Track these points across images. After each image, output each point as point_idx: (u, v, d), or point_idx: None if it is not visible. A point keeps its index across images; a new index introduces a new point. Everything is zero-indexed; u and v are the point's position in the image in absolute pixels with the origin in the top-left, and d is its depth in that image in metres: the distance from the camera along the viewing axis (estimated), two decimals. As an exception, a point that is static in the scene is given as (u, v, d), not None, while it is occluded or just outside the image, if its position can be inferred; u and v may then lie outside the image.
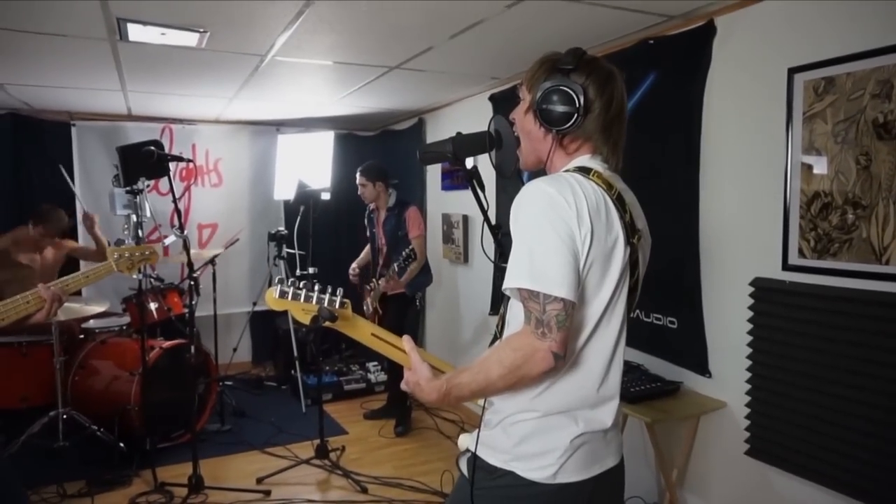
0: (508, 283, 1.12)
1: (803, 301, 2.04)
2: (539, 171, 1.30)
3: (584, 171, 1.18)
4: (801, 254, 2.06)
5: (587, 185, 1.14)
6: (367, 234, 4.11)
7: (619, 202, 1.17)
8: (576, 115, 1.18)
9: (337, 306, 1.26)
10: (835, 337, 1.95)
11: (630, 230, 1.17)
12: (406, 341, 1.27)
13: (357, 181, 3.92)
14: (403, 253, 3.52)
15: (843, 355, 1.93)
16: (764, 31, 2.19)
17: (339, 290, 1.28)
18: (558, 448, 1.16)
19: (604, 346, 1.18)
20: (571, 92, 1.18)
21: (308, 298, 1.25)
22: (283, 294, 1.24)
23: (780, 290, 2.11)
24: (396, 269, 3.58)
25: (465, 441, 1.32)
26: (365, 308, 3.95)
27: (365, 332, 1.29)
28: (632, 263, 1.20)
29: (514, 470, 1.18)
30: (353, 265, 4.17)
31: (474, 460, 1.24)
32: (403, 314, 3.90)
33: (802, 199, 2.06)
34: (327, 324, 1.27)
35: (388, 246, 3.90)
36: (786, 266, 2.10)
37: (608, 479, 1.21)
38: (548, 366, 1.08)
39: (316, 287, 1.27)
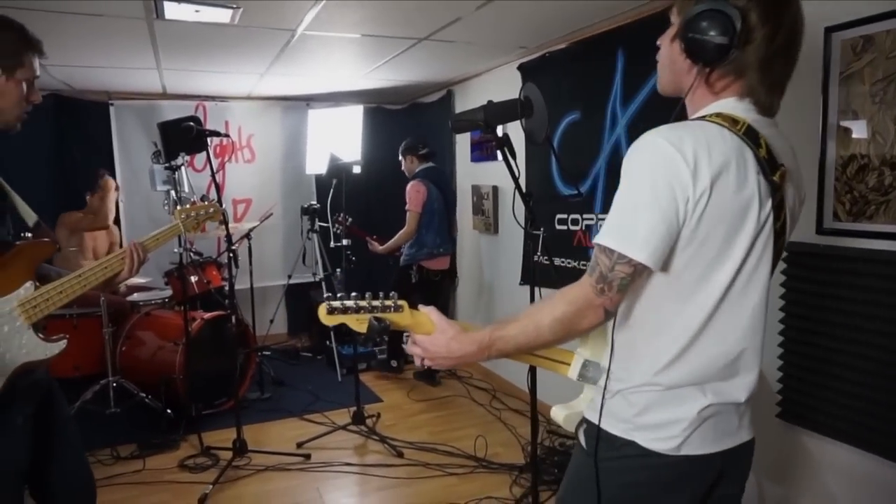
0: (597, 238, 1.06)
1: (838, 265, 2.04)
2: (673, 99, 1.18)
3: (721, 117, 1.05)
4: (836, 217, 2.05)
5: (717, 136, 1.01)
6: None
7: (751, 136, 1.03)
8: (729, 48, 1.01)
9: (392, 311, 1.19)
10: (870, 300, 1.95)
11: (769, 166, 1.04)
12: (426, 307, 1.21)
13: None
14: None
15: (880, 318, 1.93)
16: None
17: (393, 294, 1.21)
18: (684, 419, 1.07)
19: (739, 314, 1.07)
20: (727, 17, 1.01)
21: (359, 310, 1.19)
22: (332, 310, 1.19)
23: (814, 255, 2.10)
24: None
25: (559, 413, 1.26)
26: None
27: (430, 326, 1.20)
28: (775, 207, 1.06)
29: (635, 440, 1.10)
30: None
31: (598, 431, 1.14)
32: (399, 286, 4.07)
33: (838, 161, 2.04)
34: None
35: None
36: (820, 230, 2.09)
37: (739, 455, 1.13)
38: (598, 321, 1.07)
39: (367, 295, 1.20)
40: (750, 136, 1.04)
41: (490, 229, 4.34)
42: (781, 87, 1.09)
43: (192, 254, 4.14)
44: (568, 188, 3.34)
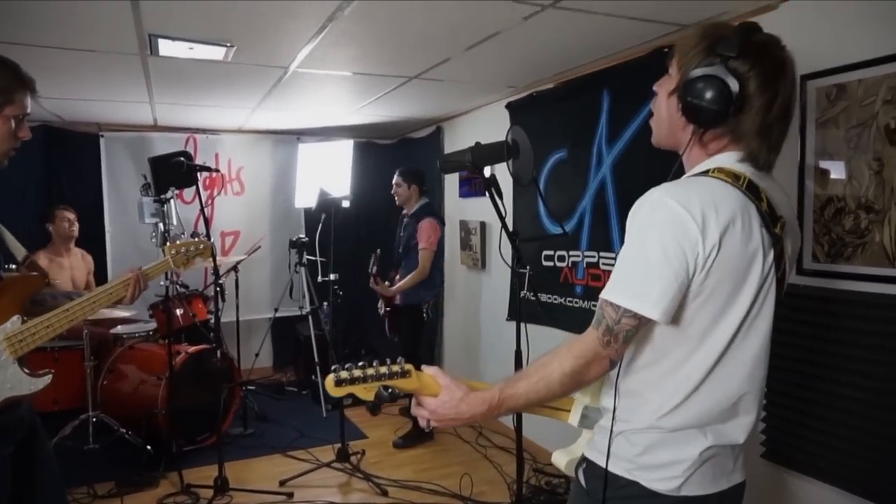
0: (602, 294, 1.09)
1: (818, 305, 2.08)
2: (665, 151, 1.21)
3: (723, 172, 1.07)
4: (816, 258, 2.10)
5: (723, 192, 1.04)
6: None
7: (752, 190, 1.06)
8: (726, 115, 1.04)
9: (399, 377, 1.18)
10: (849, 340, 1.99)
11: (770, 219, 1.08)
12: (430, 368, 1.21)
13: (393, 181, 4.04)
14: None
15: (859, 358, 1.96)
16: (779, 35, 2.24)
17: (400, 360, 1.19)
18: (686, 460, 1.10)
19: (742, 359, 1.10)
20: (726, 85, 1.03)
21: (367, 379, 1.17)
22: (340, 382, 1.17)
23: (794, 295, 2.14)
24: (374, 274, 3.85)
25: (561, 459, 1.27)
26: (380, 309, 4.12)
27: (435, 388, 1.19)
28: (777, 256, 1.09)
29: (637, 480, 1.12)
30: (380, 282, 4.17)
31: (605, 474, 1.15)
32: (413, 327, 3.93)
33: (816, 203, 2.10)
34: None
35: (401, 251, 4.00)
36: (800, 270, 2.14)
37: (733, 497, 1.16)
38: (604, 371, 1.11)
39: (375, 363, 1.20)
40: (752, 190, 1.08)
41: (477, 265, 4.37)
42: (779, 148, 1.12)
43: (178, 286, 4.13)
44: (554, 226, 3.39)
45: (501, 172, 2.14)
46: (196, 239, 1.99)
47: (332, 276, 3.93)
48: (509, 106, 3.85)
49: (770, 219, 1.08)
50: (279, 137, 5.26)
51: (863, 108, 1.95)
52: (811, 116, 2.11)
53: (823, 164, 2.08)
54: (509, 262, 1.95)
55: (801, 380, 2.14)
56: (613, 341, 1.06)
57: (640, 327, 1.07)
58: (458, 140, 4.70)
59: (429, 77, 3.31)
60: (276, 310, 4.91)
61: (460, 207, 4.66)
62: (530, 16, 2.31)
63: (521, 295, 2.15)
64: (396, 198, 4.04)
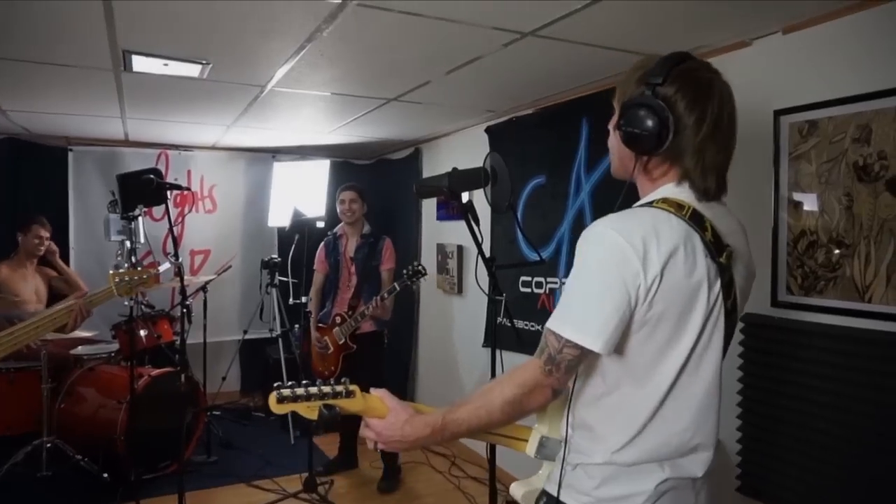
0: (547, 323, 1.11)
1: (792, 337, 2.12)
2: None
3: (667, 202, 1.11)
4: (790, 290, 2.15)
5: (665, 222, 1.07)
6: (324, 264, 3.90)
7: (696, 219, 1.09)
8: (657, 139, 1.08)
9: (343, 397, 1.19)
10: (823, 373, 2.03)
11: (715, 248, 1.09)
12: (378, 390, 1.23)
13: (345, 197, 3.77)
14: (408, 270, 3.36)
15: (831, 392, 2.00)
16: (751, 74, 2.31)
17: (345, 381, 1.21)
18: (643, 493, 1.10)
19: (693, 393, 1.11)
20: (654, 109, 1.08)
21: (310, 398, 1.18)
22: (282, 399, 1.18)
23: (769, 326, 2.18)
24: (386, 294, 3.48)
25: (517, 490, 1.28)
26: (320, 349, 3.75)
27: (382, 410, 1.21)
28: (725, 286, 1.11)
29: None
30: (314, 332, 3.81)
31: (557, 502, 1.17)
32: (380, 355, 3.82)
33: (790, 236, 2.15)
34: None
35: (358, 276, 3.74)
36: (775, 302, 2.19)
37: None
38: (547, 401, 1.13)
39: (318, 382, 1.21)
40: (695, 220, 1.10)
41: (454, 289, 4.37)
42: (717, 172, 1.14)
43: (143, 306, 4.05)
44: (532, 252, 3.42)
45: (479, 197, 2.16)
46: (140, 268, 1.99)
47: (304, 299, 3.89)
48: (489, 130, 3.90)
49: (715, 248, 1.10)
50: (254, 155, 5.24)
51: (833, 145, 2.02)
52: (784, 150, 2.18)
53: (797, 197, 2.14)
54: (486, 290, 1.96)
55: (775, 412, 2.16)
56: (555, 370, 1.08)
57: (583, 358, 1.09)
58: (436, 162, 4.73)
59: (408, 99, 3.34)
60: (245, 332, 4.84)
61: (437, 230, 4.68)
62: (510, 43, 2.36)
63: (497, 321, 2.15)
64: (347, 215, 3.77)
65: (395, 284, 3.43)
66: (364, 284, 3.71)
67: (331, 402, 1.18)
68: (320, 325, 3.81)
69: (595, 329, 1.04)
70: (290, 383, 1.19)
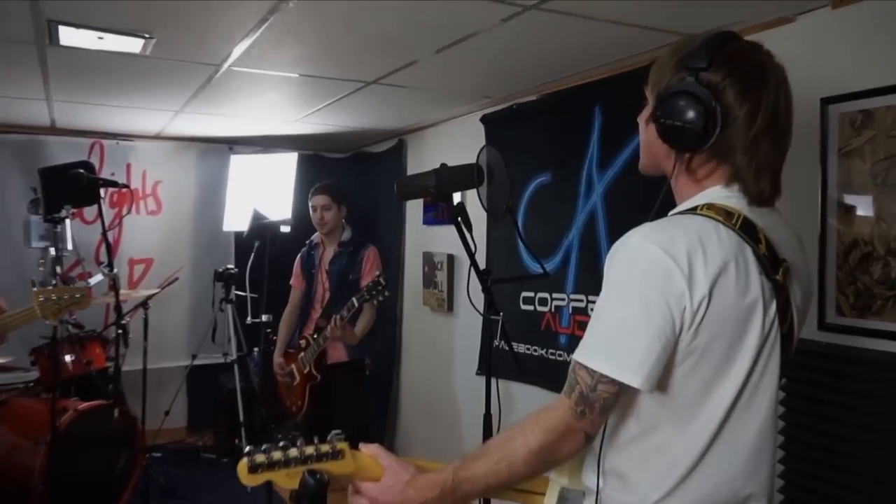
0: (575, 354, 1.09)
1: (843, 367, 2.11)
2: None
3: (713, 210, 1.11)
4: (840, 311, 2.14)
5: (712, 234, 1.07)
6: (299, 279, 3.92)
7: (748, 230, 1.09)
8: (702, 133, 1.08)
9: (330, 459, 1.12)
10: (880, 409, 2.01)
11: (770, 263, 1.10)
12: (369, 446, 1.19)
13: (316, 202, 3.73)
14: (367, 285, 3.31)
15: (888, 431, 1.98)
16: (794, 55, 2.29)
17: (332, 436, 1.14)
18: None
19: (745, 434, 1.11)
20: (699, 99, 1.08)
21: (290, 463, 1.10)
22: (255, 467, 1.10)
23: (816, 354, 2.17)
24: (345, 311, 3.38)
25: None
26: (283, 378, 3.71)
27: (376, 470, 1.16)
28: (780, 308, 1.12)
29: None
30: (278, 358, 3.82)
31: None
32: (360, 390, 3.74)
33: (839, 247, 2.15)
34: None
35: (332, 291, 3.71)
36: (822, 325, 2.18)
37: None
38: (580, 447, 1.10)
39: (300, 442, 1.13)
40: (747, 230, 1.10)
41: (443, 307, 4.35)
42: (772, 172, 1.15)
43: (69, 326, 3.98)
44: (535, 263, 3.41)
45: (473, 198, 2.14)
46: (73, 286, 1.94)
47: (264, 318, 3.86)
48: (485, 119, 3.89)
49: (770, 263, 1.10)
50: (207, 147, 5.21)
51: (891, 140, 2.02)
52: (833, 145, 2.17)
53: (848, 200, 2.14)
54: (480, 308, 1.95)
55: (824, 456, 2.15)
56: (588, 412, 1.06)
57: (620, 395, 1.07)
58: (424, 156, 4.73)
59: (390, 82, 3.32)
60: (194, 356, 4.77)
61: (424, 236, 4.66)
62: (509, 18, 2.35)
63: (495, 345, 2.13)
64: (320, 225, 3.76)
65: (354, 300, 3.35)
66: (339, 302, 3.63)
67: (315, 465, 1.10)
68: (289, 350, 3.78)
69: (635, 361, 1.03)
70: (264, 447, 1.11)
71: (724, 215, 1.09)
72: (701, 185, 1.17)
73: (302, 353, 3.62)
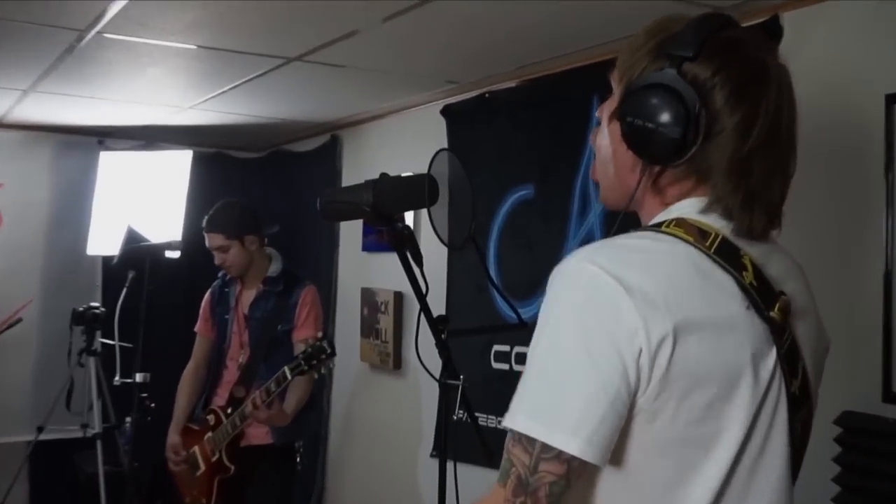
0: (506, 420, 1.08)
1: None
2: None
3: (683, 227, 1.11)
4: (910, 377, 2.19)
5: (680, 258, 1.08)
6: (207, 323, 3.91)
7: (727, 254, 1.10)
8: (680, 142, 1.08)
9: None
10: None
11: (761, 296, 1.10)
12: None
13: (209, 243, 3.69)
14: (304, 350, 3.26)
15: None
16: (845, 39, 2.38)
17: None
18: None
19: None
20: (680, 97, 1.08)
21: None
22: None
23: (881, 434, 2.20)
24: (273, 385, 3.28)
25: None
26: (178, 465, 3.64)
27: None
28: (785, 357, 1.12)
29: None
30: (174, 436, 3.73)
31: None
32: (286, 485, 3.70)
33: (911, 290, 2.20)
34: None
35: (253, 347, 3.67)
36: (888, 396, 2.22)
37: None
38: None
39: None
40: (726, 254, 1.10)
41: (388, 363, 4.34)
42: (766, 203, 1.15)
43: None
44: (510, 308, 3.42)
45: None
46: None
47: (139, 377, 3.80)
48: (447, 111, 3.93)
49: (761, 297, 1.10)
50: (68, 140, 5.19)
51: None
52: (902, 155, 2.24)
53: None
54: (437, 368, 1.95)
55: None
56: (530, 502, 1.04)
57: (572, 478, 1.04)
58: (364, 158, 4.76)
59: (321, 60, 3.33)
60: (40, 429, 4.69)
61: (364, 267, 4.66)
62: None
63: (454, 418, 2.12)
64: (226, 269, 3.75)
65: (286, 370, 3.25)
66: (261, 362, 3.58)
67: None
68: (190, 425, 3.69)
69: (571, 420, 1.00)
70: None
71: (697, 234, 1.10)
72: (669, 207, 1.18)
73: (209, 434, 3.52)
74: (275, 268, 3.73)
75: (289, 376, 3.25)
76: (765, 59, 1.14)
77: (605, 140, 1.24)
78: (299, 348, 3.48)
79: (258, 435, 3.55)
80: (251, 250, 3.68)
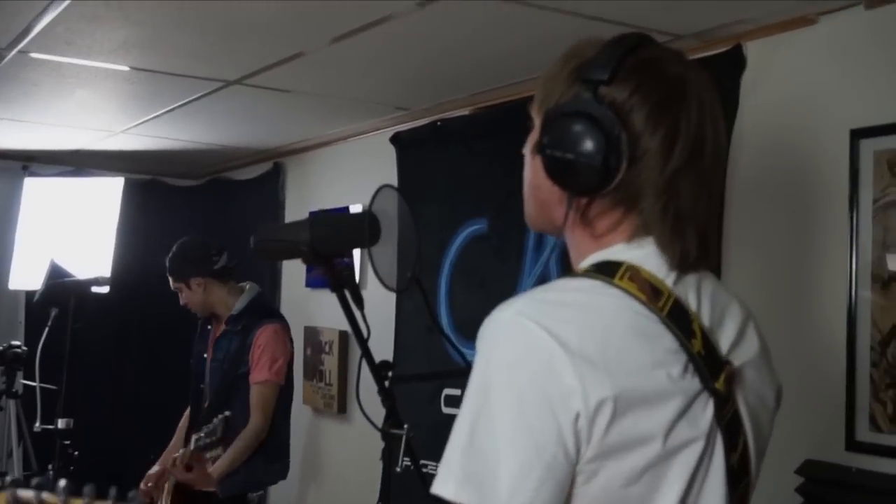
0: (435, 487, 1.05)
1: (880, 500, 2.16)
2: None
3: (632, 278, 1.11)
4: (875, 425, 2.20)
5: (624, 314, 1.08)
6: (191, 363, 3.97)
7: (678, 319, 1.10)
8: (602, 170, 1.09)
9: None
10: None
11: (708, 363, 1.10)
12: None
13: (173, 283, 3.77)
14: (210, 424, 3.22)
15: None
16: (814, 69, 2.42)
17: (133, 495, 1.13)
18: None
19: None
20: (597, 122, 1.09)
21: None
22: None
23: (843, 484, 2.22)
24: (200, 442, 3.25)
25: None
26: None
27: None
28: (727, 428, 1.12)
29: None
30: (156, 466, 3.74)
31: None
32: None
33: (875, 334, 2.22)
34: None
35: (212, 388, 3.71)
36: (851, 444, 2.23)
37: None
38: None
39: (85, 490, 1.11)
40: (676, 317, 1.10)
41: (332, 407, 4.33)
42: (698, 226, 1.16)
43: None
44: (466, 346, 3.41)
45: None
46: None
47: (61, 423, 3.72)
48: (397, 139, 3.95)
49: (707, 365, 1.10)
50: (-13, 165, 5.13)
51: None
52: (867, 193, 2.26)
53: (891, 265, 2.20)
54: (375, 417, 1.93)
55: None
56: None
57: None
58: (309, 187, 4.78)
59: (262, 83, 3.35)
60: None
61: (307, 304, 4.66)
62: (426, 2, 2.39)
63: (397, 469, 2.10)
64: (189, 308, 3.79)
65: (215, 422, 3.24)
66: (220, 406, 3.51)
67: None
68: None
69: (505, 487, 0.99)
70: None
71: (650, 293, 1.10)
72: (600, 243, 1.18)
73: (166, 483, 3.50)
74: (239, 305, 3.71)
75: (218, 432, 3.24)
76: (683, 74, 1.16)
77: (528, 173, 1.24)
78: (254, 393, 3.51)
79: (206, 484, 3.48)
80: (200, 291, 3.68)
